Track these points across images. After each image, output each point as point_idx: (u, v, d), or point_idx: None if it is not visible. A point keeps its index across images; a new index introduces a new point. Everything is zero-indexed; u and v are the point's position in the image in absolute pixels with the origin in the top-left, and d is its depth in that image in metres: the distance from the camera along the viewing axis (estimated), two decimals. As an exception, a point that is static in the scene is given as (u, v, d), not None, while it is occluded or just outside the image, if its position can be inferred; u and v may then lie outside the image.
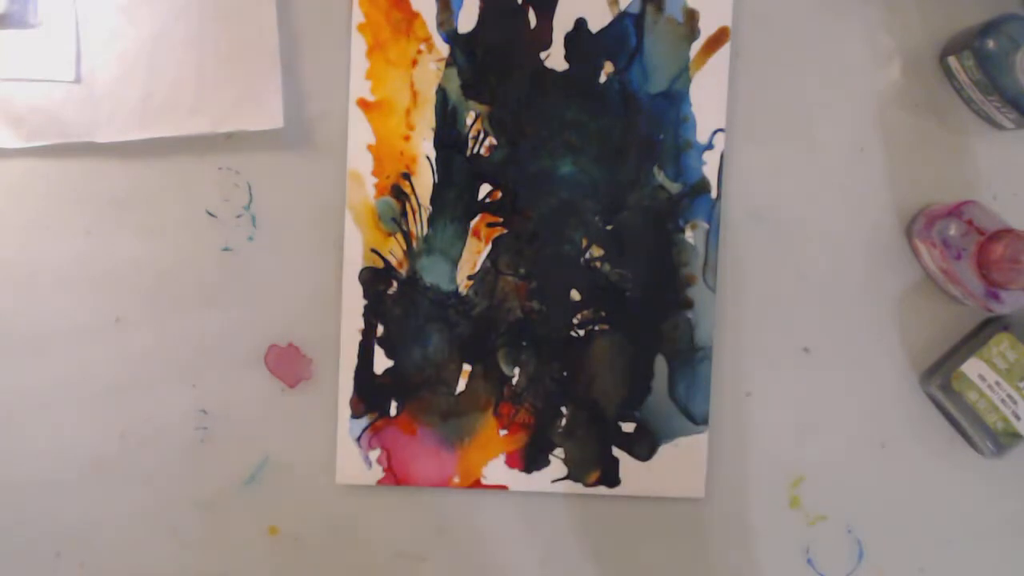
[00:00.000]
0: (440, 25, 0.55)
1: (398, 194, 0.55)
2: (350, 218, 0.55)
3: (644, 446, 0.57)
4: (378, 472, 0.56)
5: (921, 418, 0.58)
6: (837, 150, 0.57)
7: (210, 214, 0.56)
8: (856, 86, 0.57)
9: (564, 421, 0.56)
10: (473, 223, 0.56)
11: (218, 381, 0.56)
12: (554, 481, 0.57)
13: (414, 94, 0.55)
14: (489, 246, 0.56)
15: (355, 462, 0.56)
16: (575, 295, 0.56)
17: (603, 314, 0.56)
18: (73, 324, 0.55)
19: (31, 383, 0.56)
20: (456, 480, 0.56)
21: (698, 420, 0.57)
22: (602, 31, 0.55)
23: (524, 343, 0.56)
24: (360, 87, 0.55)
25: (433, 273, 0.56)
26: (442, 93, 0.55)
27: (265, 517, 0.57)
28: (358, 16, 0.55)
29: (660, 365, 0.56)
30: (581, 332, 0.56)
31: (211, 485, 0.56)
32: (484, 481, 0.56)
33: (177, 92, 0.54)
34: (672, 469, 0.57)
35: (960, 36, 0.55)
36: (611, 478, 0.57)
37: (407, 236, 0.56)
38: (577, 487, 0.57)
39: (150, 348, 0.56)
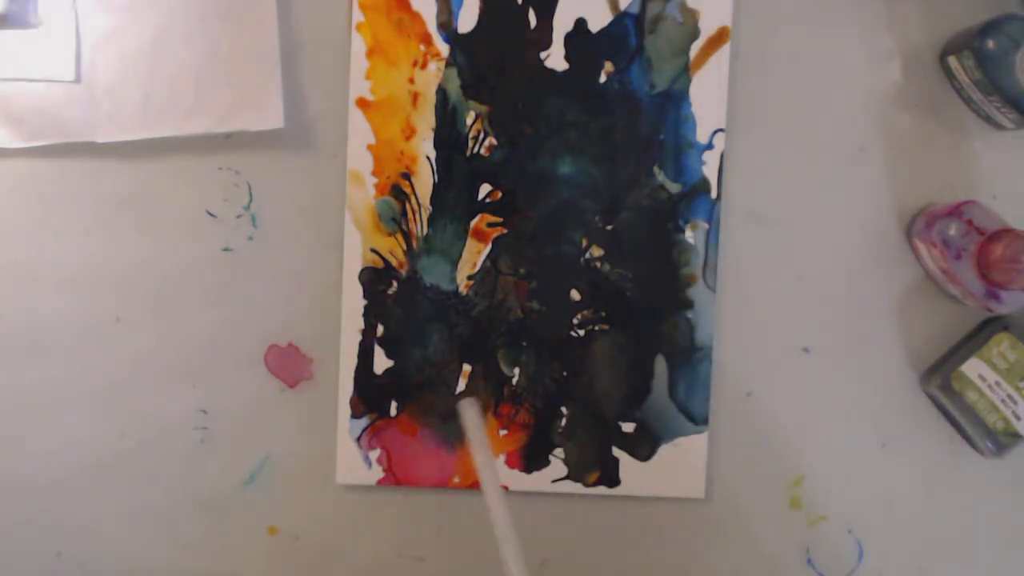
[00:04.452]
0: (440, 25, 0.55)
1: (398, 194, 0.55)
2: (350, 218, 0.55)
3: (644, 446, 0.57)
4: (378, 472, 0.56)
5: (921, 418, 0.58)
6: (837, 150, 0.57)
7: (210, 214, 0.56)
8: (856, 86, 0.57)
9: (564, 421, 0.56)
10: (473, 223, 0.56)
11: (218, 381, 0.56)
12: (554, 481, 0.57)
13: (414, 94, 0.55)
14: (489, 246, 0.56)
15: (355, 462, 0.56)
16: (575, 295, 0.56)
17: (603, 314, 0.56)
18: (73, 324, 0.55)
19: (31, 383, 0.56)
20: (456, 480, 0.56)
21: (698, 420, 0.57)
22: (602, 31, 0.55)
23: (524, 343, 0.56)
24: (360, 87, 0.55)
25: (433, 273, 0.56)
26: (442, 93, 0.55)
27: (265, 517, 0.57)
28: (358, 16, 0.55)
29: (660, 365, 0.56)
30: (581, 332, 0.56)
31: (211, 485, 0.56)
32: (484, 481, 0.56)
33: (177, 92, 0.54)
34: (672, 469, 0.57)
35: (960, 36, 0.55)
36: (611, 478, 0.57)
37: (407, 236, 0.56)
38: (577, 487, 0.57)
39: (150, 348, 0.56)
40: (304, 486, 0.57)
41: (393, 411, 0.56)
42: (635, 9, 0.55)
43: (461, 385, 0.56)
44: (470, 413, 0.50)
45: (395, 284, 0.56)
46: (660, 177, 0.56)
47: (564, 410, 0.56)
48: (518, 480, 0.56)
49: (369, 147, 0.55)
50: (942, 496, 0.58)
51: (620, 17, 0.55)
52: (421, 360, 0.56)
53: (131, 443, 0.56)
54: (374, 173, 0.55)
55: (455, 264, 0.56)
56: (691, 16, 0.55)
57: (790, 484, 0.58)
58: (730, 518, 0.58)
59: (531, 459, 0.56)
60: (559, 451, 0.57)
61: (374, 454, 0.56)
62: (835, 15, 0.56)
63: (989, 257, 0.53)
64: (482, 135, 0.55)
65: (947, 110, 0.57)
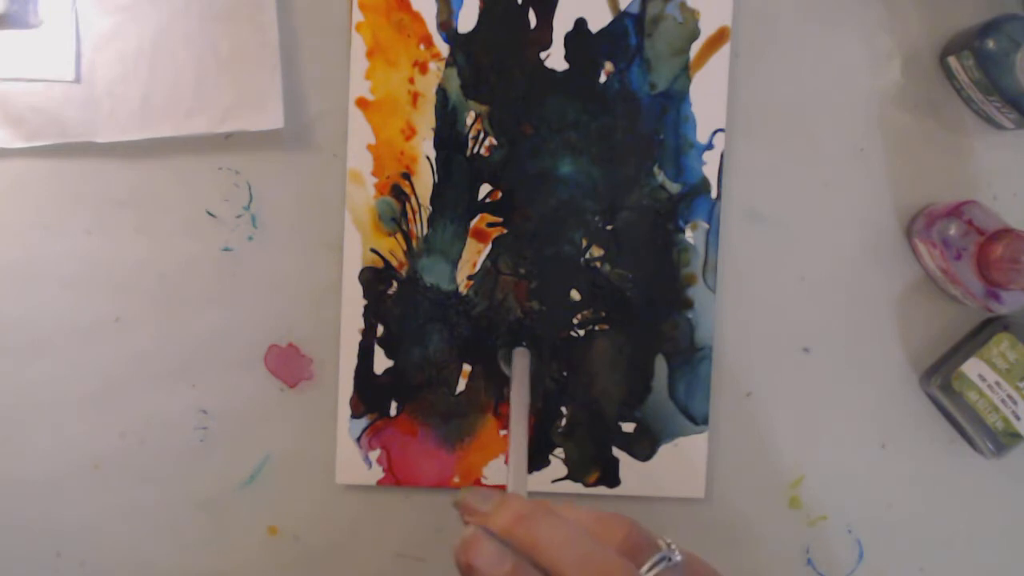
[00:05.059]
0: (440, 25, 0.55)
1: (398, 194, 0.55)
2: (350, 218, 0.55)
3: (644, 446, 0.57)
4: (378, 472, 0.56)
5: (921, 418, 0.58)
6: (837, 150, 0.57)
7: (210, 214, 0.56)
8: (856, 86, 0.57)
9: (564, 421, 0.56)
10: (473, 223, 0.56)
11: (218, 381, 0.56)
12: (554, 481, 0.57)
13: (414, 94, 0.55)
14: (489, 246, 0.56)
15: (355, 462, 0.56)
16: (575, 295, 0.56)
17: (603, 314, 0.56)
18: (73, 324, 0.55)
19: (31, 383, 0.56)
20: (456, 480, 0.56)
21: (698, 420, 0.57)
22: (602, 31, 0.55)
23: (524, 343, 0.56)
24: (360, 87, 0.55)
25: (433, 273, 0.56)
26: (442, 93, 0.55)
27: (265, 517, 0.57)
28: (358, 16, 0.55)
29: (660, 365, 0.56)
30: (581, 332, 0.56)
31: (211, 485, 0.56)
32: (484, 481, 0.56)
33: (177, 92, 0.54)
34: (672, 469, 0.57)
35: (960, 36, 0.55)
36: (611, 478, 0.57)
37: (407, 236, 0.56)
38: (577, 487, 0.57)
39: (150, 348, 0.56)
40: (304, 486, 0.57)
41: (393, 411, 0.56)
42: (635, 9, 0.55)
43: (461, 385, 0.56)
44: (521, 362, 0.52)
45: (395, 284, 0.56)
46: (660, 177, 0.56)
47: (564, 410, 0.56)
48: (518, 480, 0.56)
49: (369, 147, 0.55)
50: (942, 496, 0.58)
51: (620, 17, 0.55)
52: (421, 360, 0.56)
53: (131, 443, 0.56)
54: (374, 173, 0.55)
55: (455, 264, 0.56)
56: (691, 16, 0.55)
57: (790, 484, 0.58)
58: (730, 518, 0.58)
59: (531, 459, 0.56)
60: (559, 451, 0.57)
61: (374, 454, 0.56)
62: (835, 15, 0.57)
63: (989, 257, 0.53)
64: (482, 135, 0.55)
65: (947, 110, 0.57)
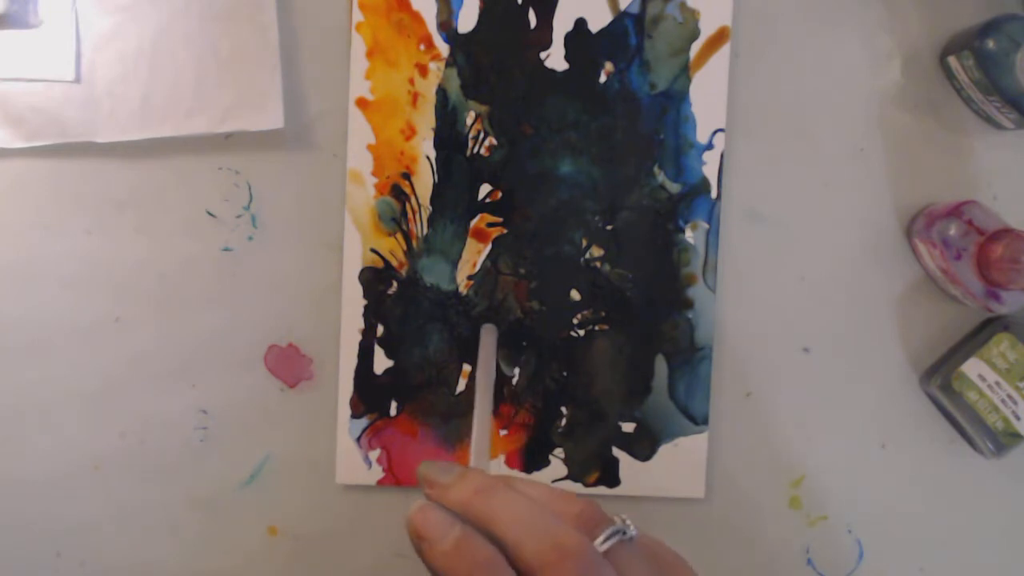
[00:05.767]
0: (440, 25, 0.55)
1: (398, 194, 0.55)
2: (350, 218, 0.55)
3: (644, 446, 0.57)
4: (378, 472, 0.56)
5: (921, 418, 0.58)
6: (837, 150, 0.57)
7: (210, 214, 0.56)
8: (856, 86, 0.57)
9: (564, 421, 0.56)
10: (473, 223, 0.56)
11: (218, 381, 0.56)
12: (554, 481, 0.57)
13: (414, 94, 0.55)
14: (489, 246, 0.56)
15: (355, 462, 0.56)
16: (575, 295, 0.56)
17: (603, 314, 0.56)
18: (73, 324, 0.55)
19: (31, 383, 0.56)
20: (456, 480, 0.56)
21: (698, 420, 0.57)
22: (602, 31, 0.55)
23: (524, 343, 0.56)
24: (360, 87, 0.55)
25: (433, 273, 0.56)
26: (442, 93, 0.55)
27: (265, 517, 0.57)
28: (358, 16, 0.55)
29: (660, 365, 0.56)
30: (581, 332, 0.56)
31: (211, 485, 0.56)
32: (484, 481, 0.56)
33: (177, 92, 0.54)
34: (672, 469, 0.57)
35: (960, 36, 0.55)
36: (611, 478, 0.57)
37: (407, 236, 0.56)
38: (577, 487, 0.57)
39: (150, 348, 0.56)
40: (304, 486, 0.57)
41: (393, 411, 0.56)
42: (635, 9, 0.55)
43: (461, 385, 0.56)
44: (488, 339, 0.53)
45: (395, 284, 0.56)
46: (660, 177, 0.56)
47: (564, 410, 0.56)
48: (518, 480, 0.56)
49: (369, 147, 0.55)
50: (942, 496, 0.58)
51: (620, 17, 0.55)
52: (421, 360, 0.56)
53: (131, 443, 0.56)
54: (374, 173, 0.55)
55: (455, 264, 0.56)
56: (691, 16, 0.55)
57: (790, 484, 0.58)
58: (730, 518, 0.58)
59: (531, 459, 0.57)
60: (559, 451, 0.57)
61: (374, 454, 0.56)
62: (835, 15, 0.57)
63: (989, 257, 0.53)
64: (482, 135, 0.55)
65: (947, 110, 0.57)
